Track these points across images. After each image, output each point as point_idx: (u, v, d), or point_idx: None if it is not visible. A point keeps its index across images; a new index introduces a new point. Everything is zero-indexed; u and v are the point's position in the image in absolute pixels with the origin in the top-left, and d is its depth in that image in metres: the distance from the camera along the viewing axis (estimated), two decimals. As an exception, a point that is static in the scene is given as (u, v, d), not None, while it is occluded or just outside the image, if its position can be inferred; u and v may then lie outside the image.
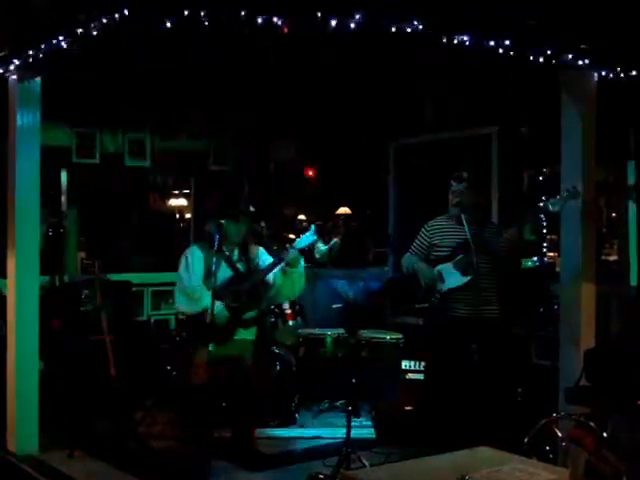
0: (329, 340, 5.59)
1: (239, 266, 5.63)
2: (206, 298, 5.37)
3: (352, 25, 4.60)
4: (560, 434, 4.89)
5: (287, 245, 5.51)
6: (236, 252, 5.68)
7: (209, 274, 5.44)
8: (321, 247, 9.43)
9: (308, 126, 8.94)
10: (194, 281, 5.52)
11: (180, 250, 5.86)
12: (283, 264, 5.53)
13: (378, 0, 4.66)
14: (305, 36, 5.02)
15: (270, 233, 9.09)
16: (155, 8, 4.52)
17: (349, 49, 5.90)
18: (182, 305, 5.63)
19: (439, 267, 5.83)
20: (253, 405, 5.68)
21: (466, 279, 5.70)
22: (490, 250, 5.71)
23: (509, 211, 7.48)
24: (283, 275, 5.59)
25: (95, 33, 4.85)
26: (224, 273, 5.54)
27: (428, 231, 6.02)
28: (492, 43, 5.03)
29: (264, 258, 5.75)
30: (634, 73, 5.66)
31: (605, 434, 4.53)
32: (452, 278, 5.76)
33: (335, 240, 9.44)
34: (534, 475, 3.11)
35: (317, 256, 9.43)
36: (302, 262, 5.61)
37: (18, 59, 5.65)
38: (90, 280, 7.46)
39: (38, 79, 6.09)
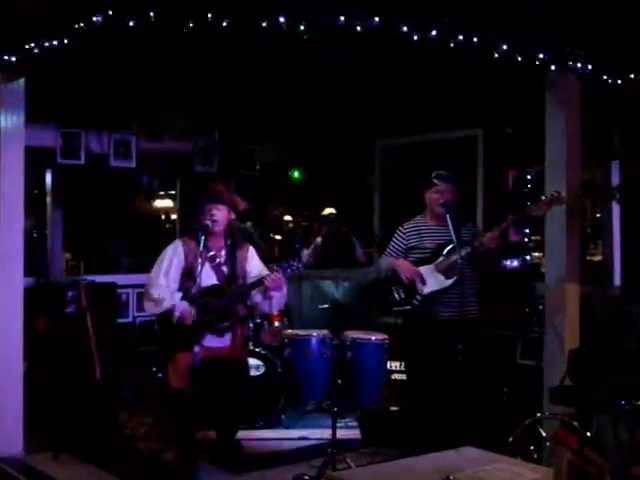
0: (314, 341, 5.56)
1: (224, 269, 5.40)
2: (170, 300, 5.22)
3: (338, 25, 4.61)
4: (544, 434, 4.92)
5: (274, 269, 5.35)
6: (223, 253, 5.44)
7: (190, 275, 5.29)
8: (305, 251, 9.44)
9: (294, 127, 8.94)
10: (160, 279, 5.28)
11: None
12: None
13: (363, 1, 4.67)
14: (291, 37, 5.02)
15: (257, 234, 9.10)
16: (139, 9, 4.51)
17: (335, 50, 5.90)
18: (144, 303, 5.42)
19: (420, 269, 5.71)
20: (237, 406, 5.65)
21: (449, 281, 5.59)
22: (471, 251, 5.60)
23: (494, 212, 7.51)
24: (263, 295, 5.38)
25: (80, 34, 4.84)
26: (207, 277, 5.27)
27: (405, 233, 5.87)
28: (477, 44, 5.04)
29: (253, 263, 5.54)
30: (617, 73, 5.69)
31: (589, 433, 4.56)
32: (434, 281, 5.64)
33: (317, 240, 9.45)
34: (518, 475, 3.12)
35: (304, 259, 9.42)
36: (285, 289, 5.42)
37: (1, 60, 5.63)
38: (75, 281, 7.45)
39: (22, 80, 6.07)
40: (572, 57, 5.46)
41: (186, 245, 5.40)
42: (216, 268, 5.37)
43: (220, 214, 5.37)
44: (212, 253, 5.37)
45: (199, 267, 5.15)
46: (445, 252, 5.64)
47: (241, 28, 4.61)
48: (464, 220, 5.91)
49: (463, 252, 5.47)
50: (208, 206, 5.36)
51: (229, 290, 5.35)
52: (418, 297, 5.68)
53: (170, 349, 5.33)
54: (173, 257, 5.36)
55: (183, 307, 5.19)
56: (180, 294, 5.26)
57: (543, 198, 5.59)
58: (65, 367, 6.93)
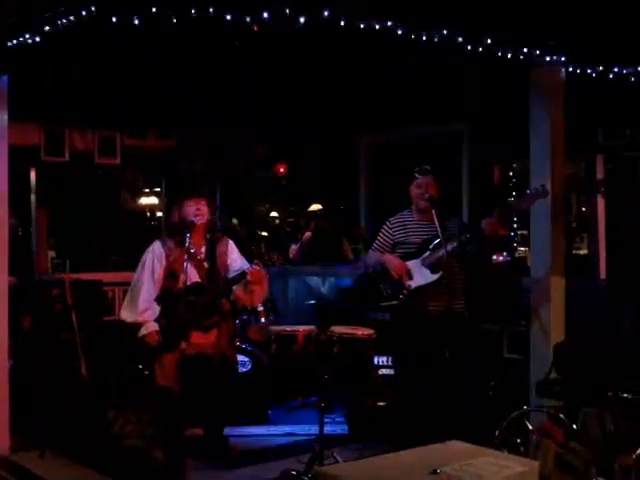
0: (301, 337, 5.56)
1: (205, 265, 5.41)
2: (148, 314, 5.27)
3: (321, 22, 4.61)
4: (531, 427, 4.94)
5: (255, 262, 5.34)
6: (203, 249, 5.46)
7: (173, 274, 5.29)
8: (293, 246, 9.44)
9: (279, 123, 8.92)
10: (147, 285, 5.32)
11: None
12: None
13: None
14: (275, 33, 5.01)
15: (243, 231, 9.09)
16: (123, 6, 4.50)
17: (319, 46, 5.90)
18: (124, 309, 5.46)
19: (407, 264, 5.67)
20: (224, 403, 5.64)
21: (436, 276, 5.55)
22: (458, 245, 5.58)
23: (479, 206, 7.53)
24: (244, 289, 5.39)
25: (63, 30, 4.82)
26: (190, 275, 5.29)
27: (391, 228, 5.83)
28: (461, 40, 5.05)
29: (233, 257, 5.57)
30: (601, 68, 5.71)
31: (575, 426, 4.58)
32: (420, 276, 5.60)
33: (308, 234, 9.45)
34: (505, 468, 3.13)
35: (291, 255, 9.44)
36: (266, 282, 5.46)
37: (-16, 57, 5.60)
38: (60, 279, 7.42)
39: (5, 77, 6.04)
40: (556, 52, 5.48)
41: (166, 245, 5.39)
42: (198, 264, 5.37)
43: (203, 209, 5.38)
44: (192, 250, 5.36)
45: (185, 264, 5.16)
46: (431, 247, 5.64)
47: (224, 24, 4.60)
48: (450, 214, 5.91)
49: (449, 247, 5.48)
50: (190, 201, 5.36)
51: (212, 286, 5.35)
52: (405, 292, 5.67)
53: (157, 348, 5.31)
54: (155, 260, 5.37)
55: (152, 329, 5.28)
56: (158, 308, 5.27)
57: (528, 192, 5.61)
58: (51, 365, 6.91)
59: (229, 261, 5.49)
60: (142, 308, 5.29)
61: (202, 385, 5.33)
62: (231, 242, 5.61)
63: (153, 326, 5.28)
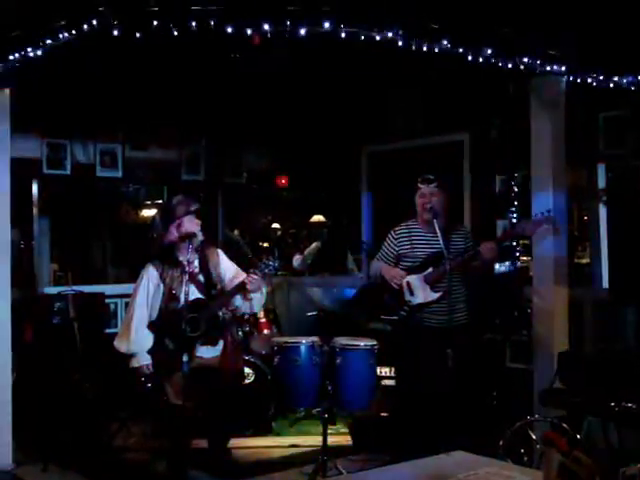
0: (303, 348, 5.55)
1: (200, 278, 5.32)
2: (141, 343, 5.22)
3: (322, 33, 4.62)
4: (534, 437, 4.93)
5: (251, 270, 5.29)
6: (196, 263, 5.34)
7: (173, 295, 5.23)
8: (297, 255, 9.43)
9: (281, 134, 8.93)
10: (135, 317, 5.22)
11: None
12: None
13: (347, 8, 4.67)
14: (277, 46, 5.03)
15: (245, 242, 9.08)
16: (124, 19, 4.51)
17: (320, 58, 5.91)
18: (118, 339, 5.33)
19: (409, 278, 5.65)
20: (228, 415, 5.62)
21: (436, 295, 5.54)
22: (462, 260, 5.56)
23: (481, 216, 7.53)
24: (243, 297, 5.32)
25: (64, 44, 4.84)
26: (189, 291, 5.15)
27: (396, 239, 5.79)
28: (462, 50, 5.06)
29: (225, 265, 5.50)
30: (602, 77, 5.72)
31: (579, 436, 4.57)
32: (421, 292, 5.60)
33: (315, 245, 9.45)
34: (509, 478, 3.12)
35: (295, 264, 9.43)
36: (264, 289, 5.44)
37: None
38: (62, 293, 7.42)
39: (7, 90, 6.05)
40: (556, 61, 5.49)
41: (160, 267, 5.33)
42: (193, 279, 5.30)
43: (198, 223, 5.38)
44: (185, 266, 5.27)
45: (185, 281, 5.09)
46: (435, 263, 5.59)
47: (227, 36, 4.61)
48: (454, 225, 5.88)
49: (453, 264, 5.43)
50: (189, 217, 5.33)
51: (211, 299, 5.31)
52: (406, 307, 5.67)
53: (166, 366, 5.25)
54: (150, 283, 5.28)
55: (142, 363, 5.21)
56: (151, 336, 5.24)
57: (533, 218, 5.62)
58: (53, 378, 6.90)
59: (222, 271, 5.43)
60: (134, 337, 5.24)
61: (209, 397, 5.30)
62: (220, 251, 5.54)
63: (144, 359, 5.23)
